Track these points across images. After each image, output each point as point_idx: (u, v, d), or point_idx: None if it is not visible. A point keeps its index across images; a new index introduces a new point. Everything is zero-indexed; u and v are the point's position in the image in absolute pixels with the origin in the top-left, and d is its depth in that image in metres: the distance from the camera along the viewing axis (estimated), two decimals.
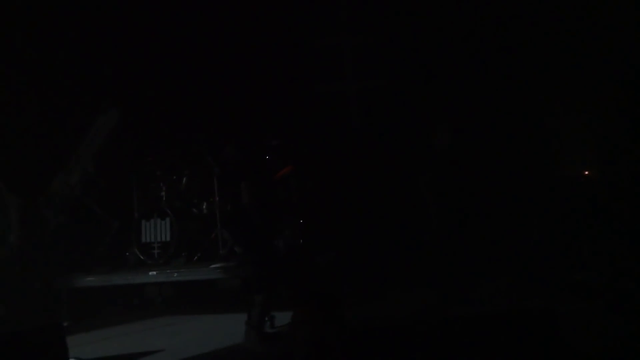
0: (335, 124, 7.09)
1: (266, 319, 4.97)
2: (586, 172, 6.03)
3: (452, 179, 5.46)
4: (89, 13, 6.61)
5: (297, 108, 6.84)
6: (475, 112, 6.39)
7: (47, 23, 6.43)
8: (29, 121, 6.37)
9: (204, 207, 6.03)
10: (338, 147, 6.93)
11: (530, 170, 6.16)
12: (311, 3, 7.00)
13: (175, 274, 5.48)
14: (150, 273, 5.58)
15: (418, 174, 5.41)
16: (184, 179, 6.10)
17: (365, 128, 7.17)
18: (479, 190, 6.17)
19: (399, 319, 3.89)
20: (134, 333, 5.29)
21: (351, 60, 7.20)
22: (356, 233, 6.25)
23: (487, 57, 6.42)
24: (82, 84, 6.61)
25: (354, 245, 6.11)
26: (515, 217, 5.97)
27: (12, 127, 6.27)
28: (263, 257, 4.75)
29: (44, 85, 6.40)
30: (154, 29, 6.73)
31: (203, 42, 6.72)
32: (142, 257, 5.94)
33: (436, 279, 5.18)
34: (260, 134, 6.11)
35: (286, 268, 5.71)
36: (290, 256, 5.86)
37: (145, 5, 6.71)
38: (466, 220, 5.45)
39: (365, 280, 5.73)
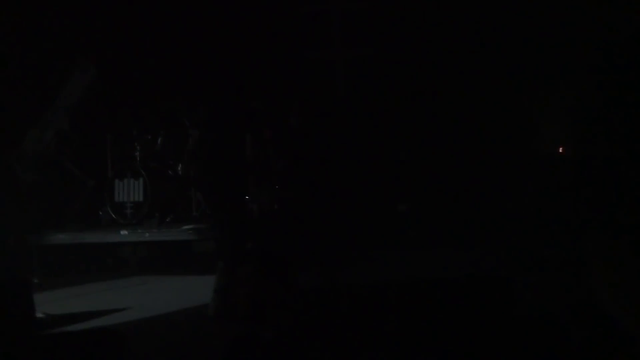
0: (320, 91, 7.02)
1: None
2: (560, 150, 6.09)
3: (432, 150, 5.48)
4: None
5: (280, 73, 6.74)
6: (448, 89, 6.37)
7: None
8: (2, 73, 6.21)
9: (179, 168, 5.98)
10: (321, 115, 6.88)
11: (505, 146, 6.20)
12: None
13: (147, 234, 5.48)
14: (122, 232, 5.56)
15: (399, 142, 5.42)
16: (160, 140, 6.03)
17: (350, 97, 7.11)
18: (456, 163, 6.22)
19: (364, 282, 3.94)
20: (105, 291, 5.30)
21: (339, 27, 7.08)
22: (329, 201, 6.26)
23: (467, 31, 6.36)
24: (60, 38, 6.43)
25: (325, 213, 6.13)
26: (491, 190, 6.03)
27: None
28: (233, 219, 4.73)
29: (21, 37, 6.21)
30: None
31: (188, 2, 6.55)
32: (114, 217, 5.91)
33: (409, 245, 5.26)
34: (240, 97, 6.04)
35: (259, 233, 5.73)
36: (264, 221, 5.87)
37: None
38: (444, 191, 5.50)
39: (338, 244, 5.78)
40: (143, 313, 4.50)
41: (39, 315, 4.34)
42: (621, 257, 1.96)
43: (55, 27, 6.45)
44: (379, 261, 5.33)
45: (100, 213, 6.13)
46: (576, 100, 5.77)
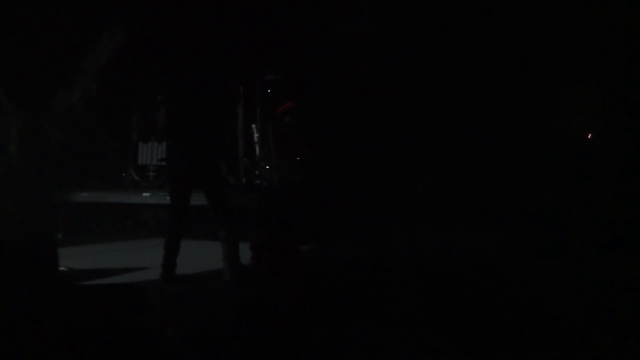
0: (343, 65, 6.95)
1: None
2: (589, 136, 5.98)
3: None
4: None
5: (305, 45, 6.70)
6: (473, 75, 6.27)
7: None
8: (33, 33, 6.29)
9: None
10: (343, 89, 6.83)
11: (529, 129, 6.10)
12: None
13: (168, 198, 5.56)
14: (144, 194, 5.67)
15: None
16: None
17: (373, 73, 7.04)
18: (479, 143, 6.15)
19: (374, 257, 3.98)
20: (124, 250, 5.45)
21: (367, 1, 6.97)
22: (348, 176, 6.27)
23: (494, 11, 6.21)
24: (88, 2, 6.47)
25: (343, 187, 6.14)
26: (517, 175, 5.97)
27: (16, 38, 6.21)
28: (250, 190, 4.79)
29: (50, 3, 6.27)
30: None
31: None
32: (137, 179, 6.02)
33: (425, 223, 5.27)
34: (264, 67, 6.03)
35: (279, 204, 5.79)
36: (285, 192, 5.92)
37: None
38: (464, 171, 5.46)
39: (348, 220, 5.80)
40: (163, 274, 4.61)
41: (62, 268, 4.50)
42: None
43: None
44: (395, 237, 5.35)
45: (124, 175, 6.25)
46: (606, 87, 5.65)
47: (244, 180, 5.82)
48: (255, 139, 6.02)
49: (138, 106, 6.40)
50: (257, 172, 5.86)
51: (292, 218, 2.11)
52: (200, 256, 5.18)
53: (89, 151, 6.52)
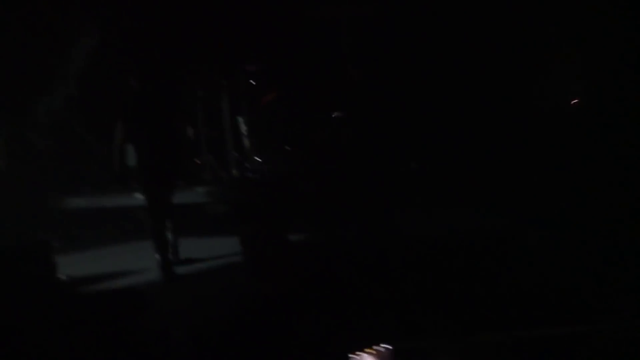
0: (324, 52, 6.91)
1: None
2: (574, 101, 5.99)
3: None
4: None
5: (285, 32, 6.63)
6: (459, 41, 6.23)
7: None
8: (11, 40, 6.20)
9: (190, 131, 6.01)
10: (325, 76, 6.79)
11: (517, 97, 6.09)
12: None
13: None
14: (136, 196, 5.65)
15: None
16: None
17: (355, 57, 6.99)
18: (468, 117, 6.14)
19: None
20: (122, 254, 5.46)
21: None
22: (336, 163, 6.27)
23: None
24: (64, 4, 6.36)
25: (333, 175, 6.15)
26: (502, 144, 5.98)
27: None
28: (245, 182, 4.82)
29: (26, 6, 6.16)
30: None
31: None
32: (127, 181, 5.99)
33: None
34: (245, 57, 5.98)
35: (271, 196, 5.80)
36: (276, 184, 5.93)
37: None
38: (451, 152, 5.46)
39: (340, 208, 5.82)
40: (157, 273, 4.64)
41: (61, 277, 4.51)
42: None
43: None
44: (391, 219, 5.38)
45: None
46: (592, 50, 5.63)
47: (235, 173, 5.83)
48: (243, 132, 6.01)
49: (122, 106, 6.33)
50: (247, 165, 5.86)
51: (279, 208, 2.13)
52: (188, 253, 5.22)
53: (77, 155, 6.47)
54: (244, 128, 5.98)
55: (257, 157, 5.95)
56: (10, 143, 6.18)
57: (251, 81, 5.92)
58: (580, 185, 4.99)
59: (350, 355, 1.95)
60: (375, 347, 1.89)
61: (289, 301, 2.11)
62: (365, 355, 1.88)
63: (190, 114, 5.95)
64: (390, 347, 1.92)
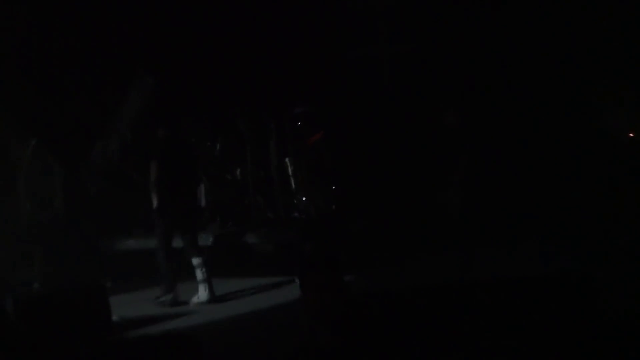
0: (367, 90, 6.98)
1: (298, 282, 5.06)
2: (631, 135, 5.78)
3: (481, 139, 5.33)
4: None
5: (328, 74, 6.75)
6: (515, 74, 6.17)
7: None
8: (69, 94, 6.56)
9: (238, 173, 6.11)
10: (369, 114, 6.84)
11: (571, 131, 5.92)
12: None
13: (211, 239, 5.62)
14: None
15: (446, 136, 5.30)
16: (218, 146, 6.17)
17: (397, 94, 7.03)
18: (514, 150, 5.98)
19: (423, 283, 3.88)
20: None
21: (385, 23, 7.01)
22: (384, 200, 6.20)
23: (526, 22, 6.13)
24: (118, 54, 6.71)
25: (381, 212, 6.07)
26: (554, 178, 5.78)
27: (54, 101, 6.47)
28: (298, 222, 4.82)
29: (82, 59, 6.53)
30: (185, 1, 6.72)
31: (236, 7, 6.68)
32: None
33: (461, 244, 5.14)
34: (291, 100, 6.09)
35: (318, 234, 5.76)
36: (322, 222, 5.89)
37: None
38: (496, 180, 5.32)
39: (391, 245, 5.72)
40: (210, 316, 4.62)
41: (114, 318, 4.56)
42: None
43: (115, 41, 6.73)
44: (431, 261, 5.24)
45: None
46: None
47: (282, 214, 5.84)
48: (290, 172, 6.05)
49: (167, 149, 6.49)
50: (294, 205, 5.87)
51: (337, 254, 2.07)
52: (236, 294, 5.18)
53: (129, 198, 6.65)
54: (290, 168, 6.02)
55: (304, 197, 5.95)
56: (66, 187, 6.42)
57: (298, 122, 6.00)
58: None
59: None
60: None
61: (347, 351, 2.02)
62: None
63: (239, 156, 6.07)
64: None
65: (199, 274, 4.99)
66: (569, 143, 5.87)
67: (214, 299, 4.97)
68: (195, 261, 5.04)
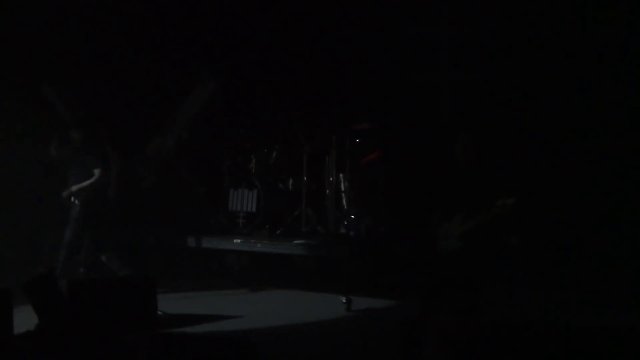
0: (425, 113, 6.93)
1: (344, 301, 4.98)
2: None
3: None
4: None
5: (389, 94, 6.74)
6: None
7: None
8: (132, 89, 6.72)
9: (291, 183, 6.09)
10: (427, 137, 6.76)
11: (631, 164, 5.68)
12: None
13: (259, 245, 5.59)
14: (235, 241, 5.72)
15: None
16: (274, 154, 6.18)
17: (454, 120, 6.95)
18: (577, 186, 5.78)
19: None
20: (211, 296, 5.47)
21: (447, 51, 6.99)
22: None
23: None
24: (182, 55, 6.86)
25: None
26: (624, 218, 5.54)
27: (116, 88, 6.64)
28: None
29: (148, 58, 6.70)
30: (255, 5, 6.84)
31: (302, 22, 6.75)
32: (227, 225, 6.11)
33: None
34: (352, 117, 6.07)
35: (364, 254, 5.67)
36: (370, 243, 5.81)
37: None
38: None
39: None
40: (254, 323, 4.57)
41: (159, 312, 4.56)
42: None
43: (179, 43, 6.89)
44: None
45: (211, 221, 6.36)
46: None
47: (332, 229, 5.78)
48: (343, 188, 6.00)
49: (229, 153, 6.57)
50: (345, 222, 5.80)
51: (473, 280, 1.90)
52: (278, 304, 5.10)
53: (179, 196, 6.71)
54: (344, 184, 5.98)
55: (354, 214, 5.89)
56: (121, 178, 6.53)
57: (357, 140, 5.97)
58: None
59: None
60: None
61: None
62: None
63: (294, 166, 6.06)
64: None
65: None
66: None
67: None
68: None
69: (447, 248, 4.84)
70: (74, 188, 5.65)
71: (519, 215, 5.42)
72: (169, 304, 4.85)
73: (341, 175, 6.03)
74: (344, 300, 4.97)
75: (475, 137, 4.70)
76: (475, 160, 4.81)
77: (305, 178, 5.88)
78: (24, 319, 3.88)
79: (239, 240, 5.68)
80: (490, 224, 4.83)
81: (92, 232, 5.67)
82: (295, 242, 5.51)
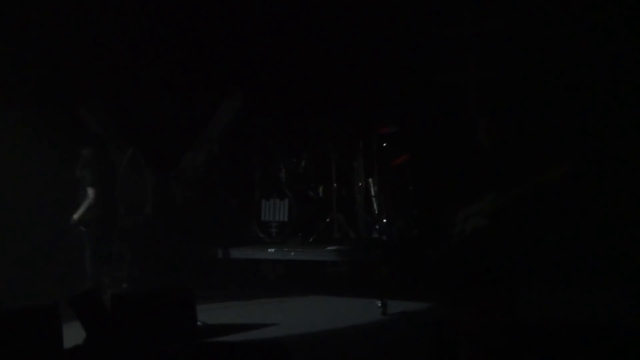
0: (453, 114, 6.88)
1: (379, 305, 4.99)
2: None
3: None
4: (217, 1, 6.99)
5: (415, 97, 6.72)
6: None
7: (176, 11, 6.91)
8: (163, 106, 6.92)
9: (321, 190, 6.15)
10: (455, 138, 6.71)
11: None
12: None
13: (292, 253, 5.66)
14: (269, 250, 5.81)
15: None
16: (303, 162, 6.26)
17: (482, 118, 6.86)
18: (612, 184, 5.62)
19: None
20: (248, 306, 5.55)
21: (473, 50, 6.93)
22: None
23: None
24: (211, 70, 7.03)
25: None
26: None
27: (148, 106, 6.86)
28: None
29: (178, 74, 6.89)
30: (279, 17, 6.95)
31: (326, 29, 6.82)
32: (260, 235, 6.20)
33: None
34: (378, 121, 6.09)
35: (397, 258, 5.66)
36: (403, 246, 5.79)
37: None
38: None
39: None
40: (291, 330, 4.62)
41: (198, 323, 4.66)
42: None
43: (207, 59, 7.06)
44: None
45: (245, 231, 6.47)
46: None
47: (363, 234, 5.80)
48: (373, 193, 6.02)
49: (258, 163, 6.68)
50: (376, 227, 5.81)
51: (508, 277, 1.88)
52: (315, 311, 5.14)
53: (212, 209, 6.86)
54: (374, 189, 5.99)
55: (385, 218, 5.89)
56: (156, 193, 6.73)
57: (384, 144, 5.98)
58: None
59: None
60: None
61: None
62: None
63: (324, 173, 6.11)
64: None
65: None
66: None
67: None
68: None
69: (467, 229, 4.54)
70: (76, 217, 5.75)
71: (573, 186, 5.22)
72: (208, 314, 4.95)
73: (370, 180, 6.05)
74: (379, 304, 4.98)
75: (497, 120, 4.58)
76: (500, 141, 4.66)
77: (334, 184, 5.93)
78: (73, 334, 4.03)
79: (272, 250, 5.77)
80: (529, 198, 4.52)
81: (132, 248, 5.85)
82: (328, 248, 5.56)
